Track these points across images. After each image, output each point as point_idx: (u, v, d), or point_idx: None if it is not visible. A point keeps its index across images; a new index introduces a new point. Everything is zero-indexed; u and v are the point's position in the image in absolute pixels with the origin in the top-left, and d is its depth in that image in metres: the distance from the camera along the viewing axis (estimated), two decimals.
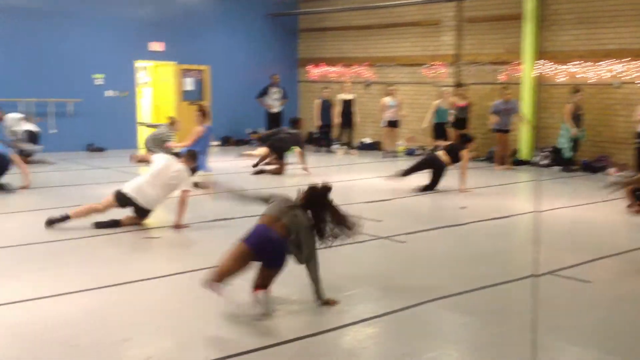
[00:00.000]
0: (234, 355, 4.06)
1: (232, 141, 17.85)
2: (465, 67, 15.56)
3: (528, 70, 14.27)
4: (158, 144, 12.19)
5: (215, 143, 17.33)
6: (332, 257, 6.55)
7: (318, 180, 5.32)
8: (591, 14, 13.57)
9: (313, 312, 4.99)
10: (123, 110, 16.01)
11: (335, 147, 16.73)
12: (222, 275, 4.75)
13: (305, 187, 5.15)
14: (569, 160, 13.13)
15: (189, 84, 17.31)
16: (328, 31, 18.51)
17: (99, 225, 7.44)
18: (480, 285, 5.53)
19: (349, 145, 16.54)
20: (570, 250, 6.94)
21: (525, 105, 14.15)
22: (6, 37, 14.29)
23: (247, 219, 8.09)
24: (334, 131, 16.80)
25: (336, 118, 16.17)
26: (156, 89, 17.61)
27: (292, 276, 5.97)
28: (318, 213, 5.04)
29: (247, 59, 17.96)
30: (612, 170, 12.98)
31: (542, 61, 14.21)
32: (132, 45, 16.07)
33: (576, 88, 13.02)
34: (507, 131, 13.83)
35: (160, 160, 7.85)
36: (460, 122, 14.57)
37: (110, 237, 7.11)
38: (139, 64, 16.71)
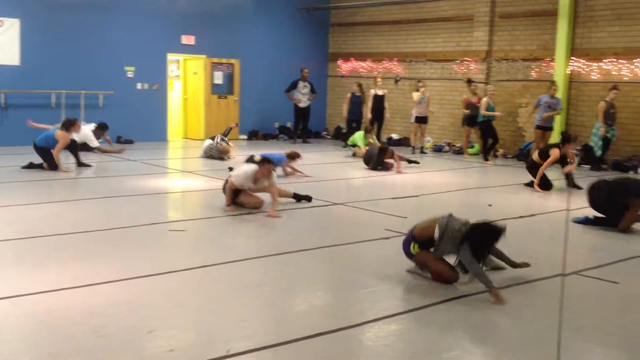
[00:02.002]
0: (255, 349, 4.08)
1: (260, 135, 17.92)
2: (496, 64, 15.38)
3: (561, 67, 14.05)
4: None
5: (243, 137, 17.48)
6: (357, 253, 6.56)
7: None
8: (628, 10, 13.31)
9: (336, 308, 4.99)
10: (153, 103, 16.17)
11: None
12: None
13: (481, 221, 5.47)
14: (599, 159, 12.91)
15: (219, 78, 17.40)
16: (359, 26, 18.46)
17: None
18: (506, 284, 5.47)
19: (378, 140, 16.45)
20: (597, 250, 6.82)
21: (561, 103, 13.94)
22: (41, 28, 14.48)
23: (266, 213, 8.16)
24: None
25: (368, 113, 16.09)
26: (186, 82, 17.75)
27: (313, 273, 5.98)
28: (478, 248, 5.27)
29: (277, 53, 17.99)
30: None
31: (574, 58, 13.99)
32: (165, 38, 16.20)
33: (613, 86, 12.77)
34: (550, 129, 13.60)
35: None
36: (472, 119, 14.41)
37: (137, 230, 7.19)
38: (171, 56, 16.84)
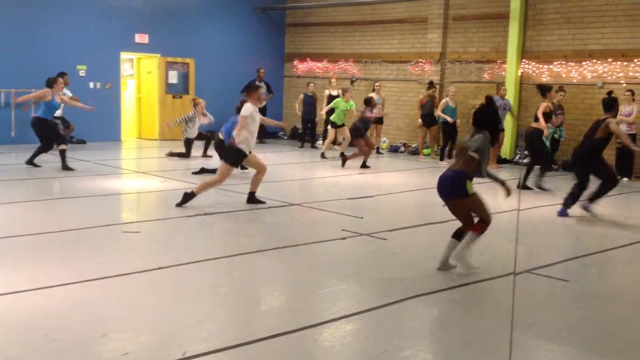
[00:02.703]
0: (210, 352, 4.06)
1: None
2: (450, 65, 15.62)
3: (512, 69, 14.35)
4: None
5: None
6: (314, 253, 6.59)
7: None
8: (576, 14, 13.67)
9: (293, 309, 5.00)
10: (106, 103, 15.87)
11: (319, 142, 16.72)
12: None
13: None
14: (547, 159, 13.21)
15: (174, 77, 17.21)
16: (314, 26, 18.51)
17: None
18: (460, 282, 5.57)
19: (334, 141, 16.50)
20: (548, 248, 7.01)
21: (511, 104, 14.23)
22: None
23: (229, 213, 8.12)
24: (319, 127, 16.79)
25: (323, 114, 16.12)
26: (140, 81, 17.50)
27: (270, 273, 5.98)
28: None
29: (233, 53, 17.90)
30: None
31: (525, 60, 14.31)
32: (118, 36, 15.93)
33: (559, 87, 13.10)
34: (501, 130, 13.85)
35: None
36: (430, 119, 14.61)
37: (92, 231, 7.07)
38: (124, 55, 16.58)
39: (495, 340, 4.37)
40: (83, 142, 15.32)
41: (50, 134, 11.21)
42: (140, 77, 17.47)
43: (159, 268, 5.74)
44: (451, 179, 5.81)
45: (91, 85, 15.70)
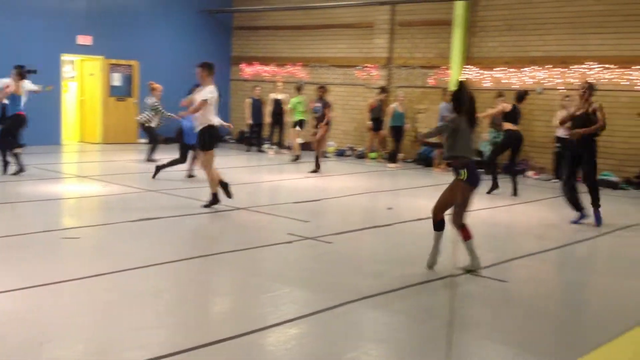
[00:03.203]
0: (151, 359, 3.98)
1: (161, 139, 17.48)
2: (396, 70, 15.79)
3: (456, 74, 14.62)
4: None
5: (144, 141, 17.01)
6: (259, 258, 6.55)
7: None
8: (517, 21, 14.02)
9: (237, 314, 4.96)
10: (47, 106, 15.43)
11: (266, 146, 16.68)
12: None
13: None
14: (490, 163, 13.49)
15: (117, 80, 16.88)
16: (262, 30, 18.45)
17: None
18: (403, 284, 5.63)
19: (279, 145, 16.51)
20: (488, 250, 7.13)
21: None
22: None
23: (173, 218, 8.01)
24: (265, 130, 16.75)
25: (267, 117, 16.12)
26: (82, 83, 17.10)
27: (213, 279, 5.92)
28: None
29: (178, 56, 17.65)
30: (531, 172, 13.47)
31: (469, 66, 14.60)
32: (59, 37, 15.53)
33: (499, 93, 13.37)
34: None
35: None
36: (378, 123, 14.80)
37: (30, 237, 6.86)
38: (65, 57, 16.17)
39: (437, 341, 4.42)
40: (22, 145, 14.81)
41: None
42: (83, 80, 17.06)
43: (99, 275, 5.60)
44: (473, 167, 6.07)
45: (30, 87, 15.20)
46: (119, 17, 16.57)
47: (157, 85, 13.45)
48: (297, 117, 14.80)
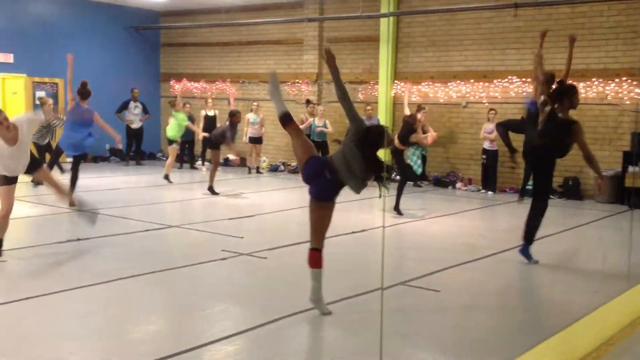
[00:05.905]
0: None
1: (89, 157, 17.08)
2: (326, 86, 16.00)
3: (383, 89, 14.93)
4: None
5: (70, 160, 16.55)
6: (192, 275, 6.49)
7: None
8: (440, 37, 14.48)
9: (170, 333, 4.91)
10: None
11: (198, 163, 16.53)
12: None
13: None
14: (420, 176, 13.83)
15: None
16: (190, 46, 18.36)
17: None
18: (338, 298, 5.70)
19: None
20: (420, 261, 7.32)
21: (382, 123, 14.78)
22: None
23: (104, 238, 7.84)
24: (197, 148, 16.61)
25: (200, 134, 15.98)
26: (5, 102, 16.51)
27: (146, 298, 5.84)
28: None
29: (105, 73, 17.32)
30: (460, 184, 13.88)
31: (397, 81, 14.95)
32: None
33: (418, 106, 13.69)
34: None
35: None
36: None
37: None
38: None
39: (370, 353, 4.50)
40: None
41: None
42: (4, 98, 16.49)
43: (26, 298, 5.44)
44: None
45: None
46: (41, 34, 16.14)
47: (46, 99, 12.98)
48: (176, 134, 13.98)
